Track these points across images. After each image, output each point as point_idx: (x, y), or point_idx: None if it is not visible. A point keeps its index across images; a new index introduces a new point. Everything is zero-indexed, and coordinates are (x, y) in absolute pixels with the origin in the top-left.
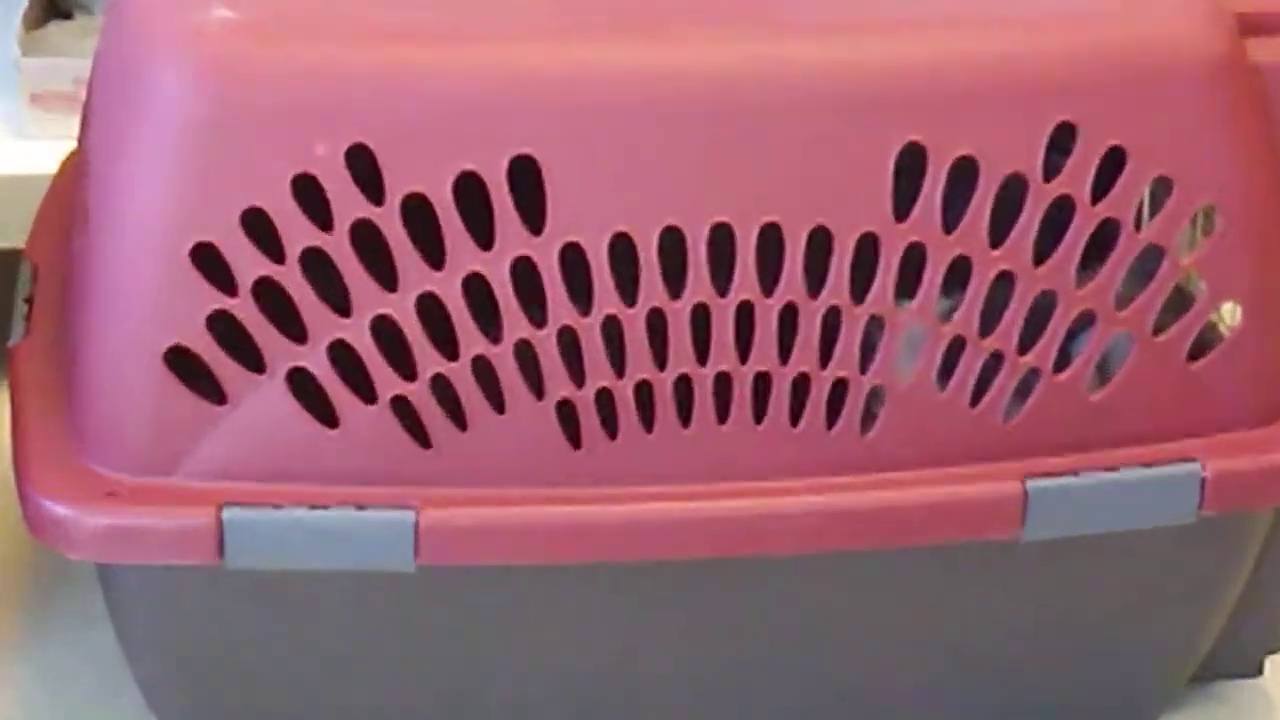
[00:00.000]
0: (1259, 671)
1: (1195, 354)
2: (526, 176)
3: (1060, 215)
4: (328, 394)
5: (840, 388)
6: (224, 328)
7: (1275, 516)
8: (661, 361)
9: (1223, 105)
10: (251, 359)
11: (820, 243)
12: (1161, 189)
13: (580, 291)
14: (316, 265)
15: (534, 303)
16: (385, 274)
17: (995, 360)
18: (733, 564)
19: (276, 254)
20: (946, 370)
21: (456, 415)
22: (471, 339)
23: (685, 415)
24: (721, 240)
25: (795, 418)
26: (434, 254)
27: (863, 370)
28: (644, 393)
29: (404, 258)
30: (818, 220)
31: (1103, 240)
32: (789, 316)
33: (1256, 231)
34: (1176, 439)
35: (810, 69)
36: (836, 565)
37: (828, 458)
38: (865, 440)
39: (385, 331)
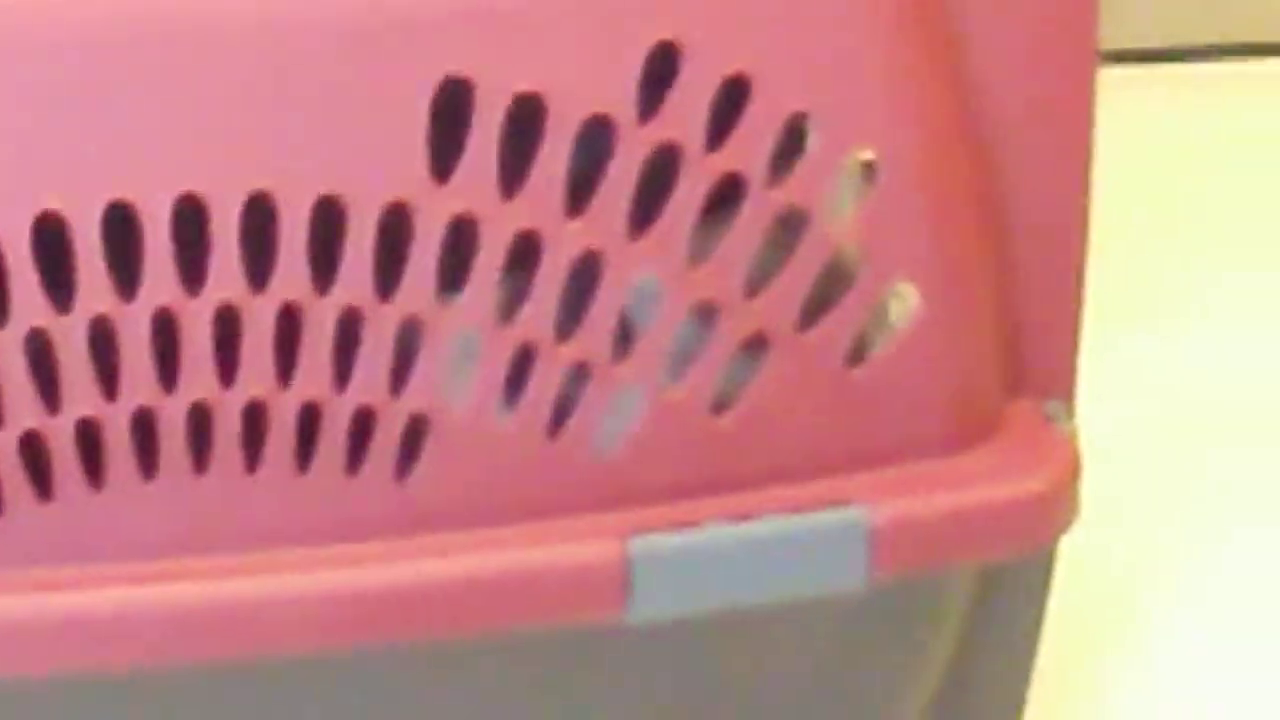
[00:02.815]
0: None
1: (857, 357)
2: None
3: (664, 169)
4: None
5: (363, 419)
6: None
7: (979, 581)
8: (112, 387)
9: (882, 19)
10: None
11: (329, 219)
12: (801, 133)
13: None
14: None
15: None
16: None
17: (580, 373)
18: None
19: None
20: (513, 389)
21: None
22: None
23: (148, 462)
24: (190, 219)
25: (303, 461)
26: None
27: (394, 393)
28: (86, 434)
29: None
30: (323, 188)
31: (724, 203)
32: (286, 321)
33: (933, 188)
34: (833, 474)
35: None
36: (373, 665)
37: (347, 516)
38: (400, 489)
39: None
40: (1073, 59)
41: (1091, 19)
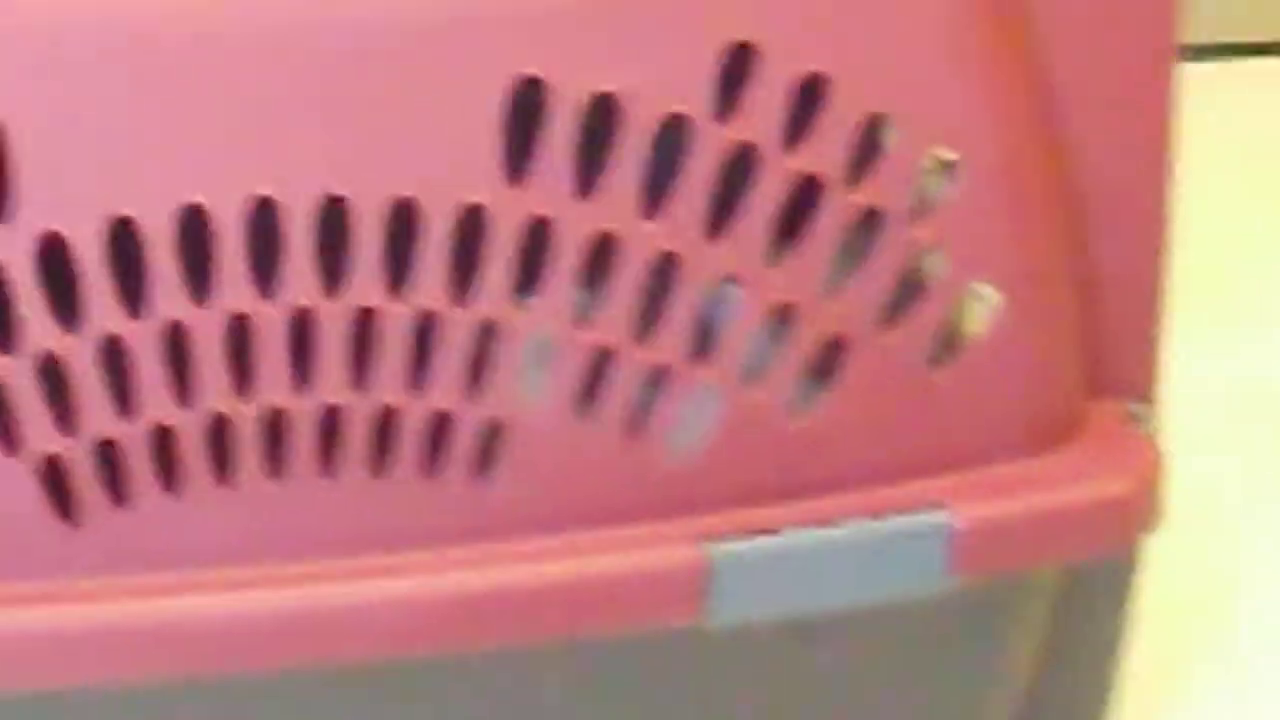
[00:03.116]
0: None
1: (937, 358)
2: None
3: (741, 171)
4: None
5: (439, 424)
6: None
7: (1063, 583)
8: (184, 394)
9: (960, 17)
10: None
11: (403, 221)
12: (879, 133)
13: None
14: None
15: None
16: None
17: (657, 376)
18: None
19: None
20: (589, 392)
21: None
22: None
23: (220, 468)
24: (264, 223)
25: (379, 466)
26: None
27: (470, 397)
28: (162, 440)
29: None
30: (397, 190)
31: (802, 204)
32: (362, 326)
33: (1013, 187)
34: (914, 478)
35: None
36: (445, 671)
37: (424, 521)
38: (477, 494)
39: None
40: (1153, 54)
41: (1171, 14)
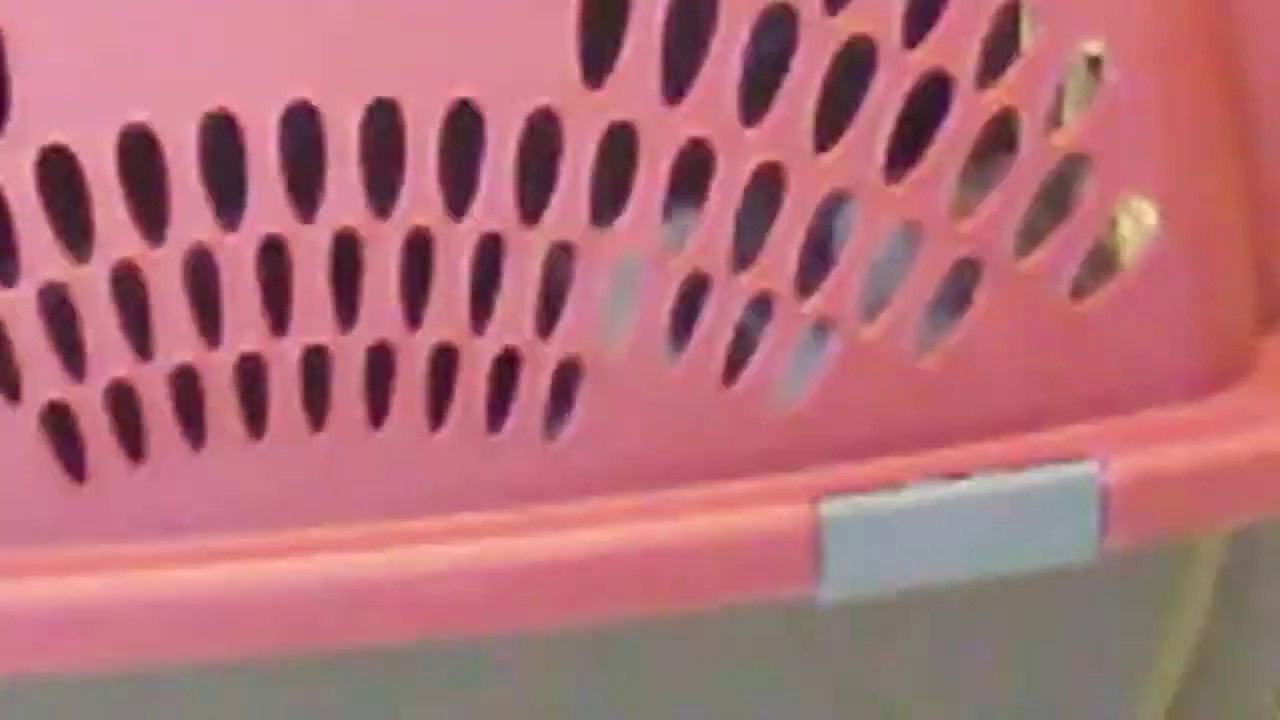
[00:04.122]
0: None
1: (1084, 287)
2: None
3: (857, 68)
4: None
5: (507, 364)
6: None
7: (1231, 550)
8: (211, 331)
9: None
10: None
11: (464, 129)
12: (1016, 24)
13: (74, 220)
14: None
15: None
16: None
17: (760, 307)
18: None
19: None
20: (682, 327)
21: None
22: None
23: (254, 418)
24: (301, 129)
25: (436, 415)
26: None
27: (542, 333)
28: (185, 386)
29: None
30: (457, 91)
31: (925, 108)
32: (414, 250)
33: (1170, 87)
34: (1059, 425)
35: None
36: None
37: (489, 478)
38: (550, 447)
39: None
40: None
41: None
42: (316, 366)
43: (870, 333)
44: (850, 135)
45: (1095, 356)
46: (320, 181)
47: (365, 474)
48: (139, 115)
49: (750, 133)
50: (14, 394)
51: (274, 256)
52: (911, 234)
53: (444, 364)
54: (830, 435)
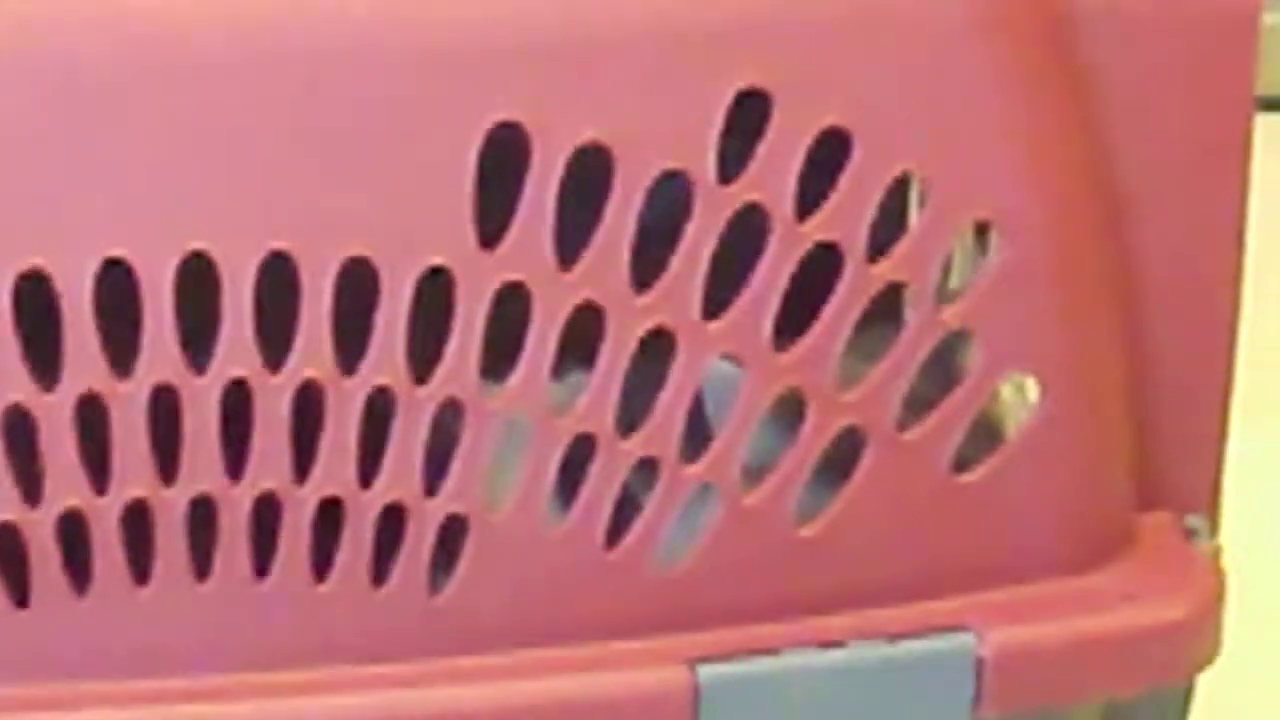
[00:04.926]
0: None
1: (966, 460)
2: None
3: (749, 238)
4: None
5: (393, 519)
6: None
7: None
8: (99, 478)
9: (1000, 67)
10: None
11: (356, 284)
12: (905, 199)
13: None
14: None
15: None
16: None
17: (645, 471)
18: None
19: None
20: (567, 488)
21: None
22: None
23: (141, 565)
24: (199, 276)
25: (321, 567)
26: None
27: (429, 489)
28: (70, 528)
29: None
30: (352, 249)
31: (817, 278)
32: (305, 403)
33: (1058, 262)
34: (938, 597)
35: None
36: None
37: (371, 633)
38: (434, 602)
39: None
40: (1227, 125)
41: (1248, 86)
42: (202, 517)
43: (753, 498)
44: (740, 303)
45: (976, 528)
46: (213, 334)
47: (248, 624)
48: (34, 260)
49: (641, 299)
50: None
51: (164, 406)
52: (794, 403)
53: (330, 517)
54: (711, 599)
